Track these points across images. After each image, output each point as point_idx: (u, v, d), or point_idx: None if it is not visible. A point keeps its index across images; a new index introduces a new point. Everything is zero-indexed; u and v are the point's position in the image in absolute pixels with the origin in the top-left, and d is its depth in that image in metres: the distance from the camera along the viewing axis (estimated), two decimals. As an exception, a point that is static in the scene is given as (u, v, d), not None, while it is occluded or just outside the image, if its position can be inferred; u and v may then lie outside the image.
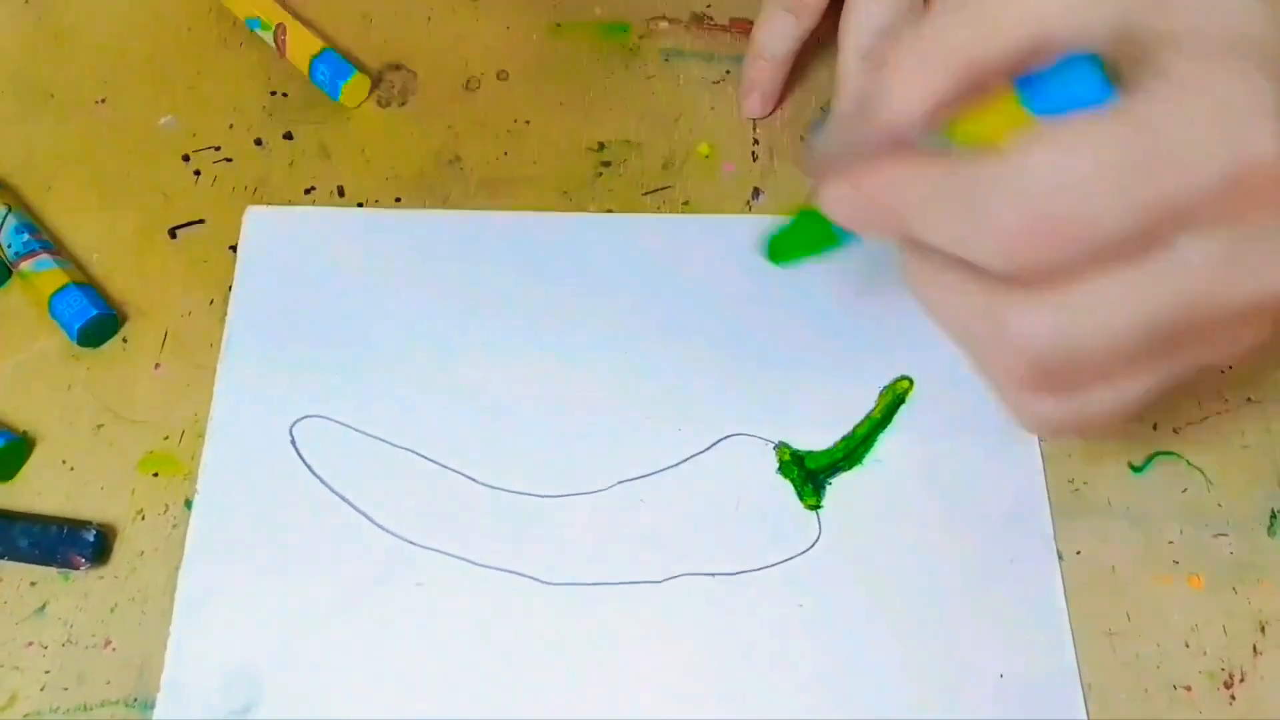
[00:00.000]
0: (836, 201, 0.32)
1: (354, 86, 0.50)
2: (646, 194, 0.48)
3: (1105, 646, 0.40)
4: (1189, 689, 0.39)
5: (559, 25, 0.52)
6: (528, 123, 0.50)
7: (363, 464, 0.42)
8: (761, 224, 0.47)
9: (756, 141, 0.50)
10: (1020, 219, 0.28)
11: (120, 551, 0.41)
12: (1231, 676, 0.40)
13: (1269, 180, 0.28)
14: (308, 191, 0.48)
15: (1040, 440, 0.43)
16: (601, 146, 0.49)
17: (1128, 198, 0.28)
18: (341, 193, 0.48)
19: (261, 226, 0.47)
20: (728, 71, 0.51)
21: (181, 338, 0.45)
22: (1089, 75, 0.28)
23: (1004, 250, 0.29)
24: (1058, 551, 0.41)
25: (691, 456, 0.43)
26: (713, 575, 0.41)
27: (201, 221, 0.47)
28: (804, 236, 0.36)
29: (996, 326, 0.30)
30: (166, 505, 0.42)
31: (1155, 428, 0.43)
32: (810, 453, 0.43)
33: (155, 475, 0.42)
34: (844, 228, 0.33)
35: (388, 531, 0.41)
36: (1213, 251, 0.28)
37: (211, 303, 0.45)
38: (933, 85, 0.30)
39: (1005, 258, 0.29)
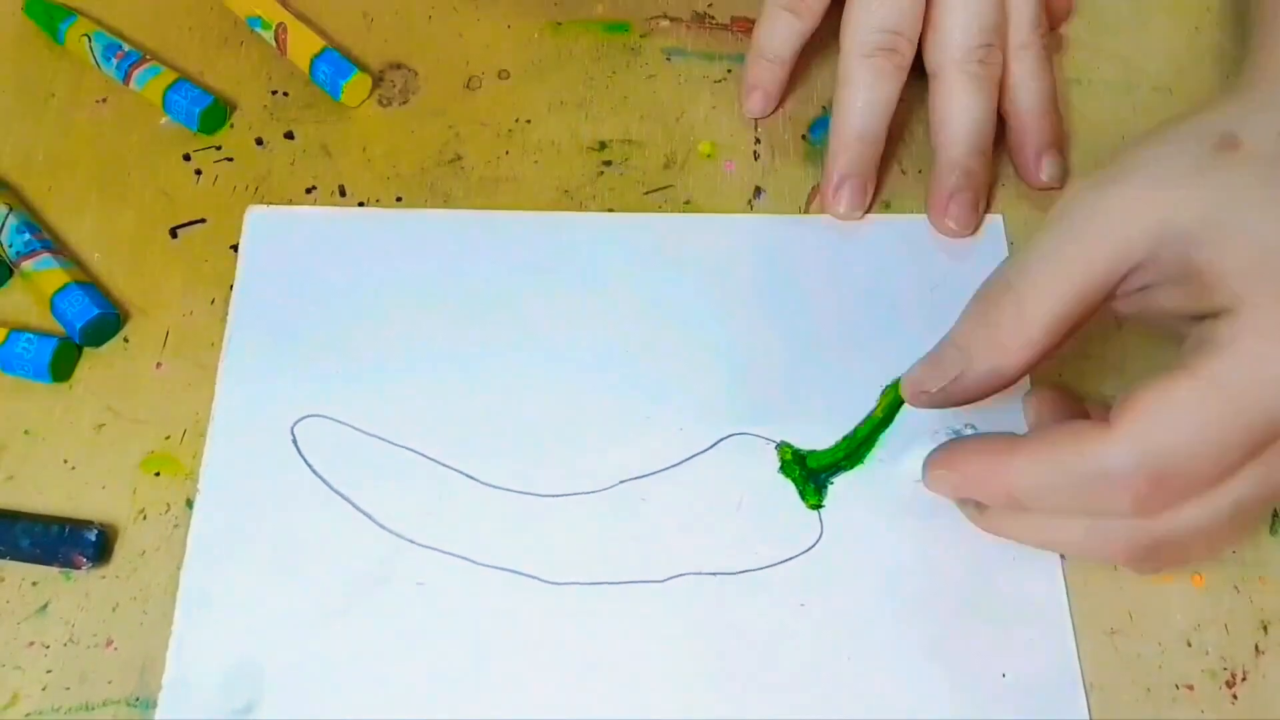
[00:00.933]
0: (938, 483, 0.39)
1: (355, 86, 0.50)
2: (648, 193, 0.48)
3: (1107, 645, 0.40)
4: (1191, 688, 0.39)
5: (560, 24, 0.52)
6: (529, 122, 0.50)
7: (364, 463, 0.42)
8: (763, 223, 0.47)
9: (758, 141, 0.50)
10: (1145, 483, 0.34)
11: (122, 551, 0.41)
12: (1234, 676, 0.39)
13: None
14: (309, 191, 0.48)
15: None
16: (603, 145, 0.49)
17: (1223, 447, 0.33)
18: (343, 192, 0.48)
19: (263, 226, 0.47)
20: (729, 70, 0.51)
21: (183, 337, 0.45)
22: None
23: (1134, 508, 0.35)
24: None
25: (693, 456, 0.43)
26: (715, 575, 0.41)
27: (203, 221, 0.47)
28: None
29: (1111, 543, 0.37)
30: (168, 505, 0.42)
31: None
32: (812, 452, 0.43)
33: (157, 475, 0.42)
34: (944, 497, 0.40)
35: (389, 531, 0.41)
36: None
37: (213, 302, 0.45)
38: (1033, 338, 0.36)
39: (1135, 509, 0.35)
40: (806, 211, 0.48)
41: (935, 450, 0.39)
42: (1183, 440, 0.33)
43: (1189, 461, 0.34)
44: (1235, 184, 0.35)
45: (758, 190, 0.48)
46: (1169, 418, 0.33)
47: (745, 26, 0.52)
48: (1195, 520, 0.35)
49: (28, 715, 0.38)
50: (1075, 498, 0.36)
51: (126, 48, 0.50)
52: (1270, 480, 0.34)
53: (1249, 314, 0.33)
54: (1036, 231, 0.37)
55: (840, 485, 0.42)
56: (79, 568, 0.40)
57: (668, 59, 0.52)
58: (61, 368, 0.44)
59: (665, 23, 0.53)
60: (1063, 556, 0.41)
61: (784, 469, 0.42)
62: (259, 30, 0.51)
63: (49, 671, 0.39)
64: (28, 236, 0.46)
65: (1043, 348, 0.36)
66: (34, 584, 0.40)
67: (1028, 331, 0.36)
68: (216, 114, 0.49)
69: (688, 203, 0.48)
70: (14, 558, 0.40)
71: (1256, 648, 0.40)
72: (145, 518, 0.42)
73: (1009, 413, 0.42)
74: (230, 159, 0.49)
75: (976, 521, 0.40)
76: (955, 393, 0.38)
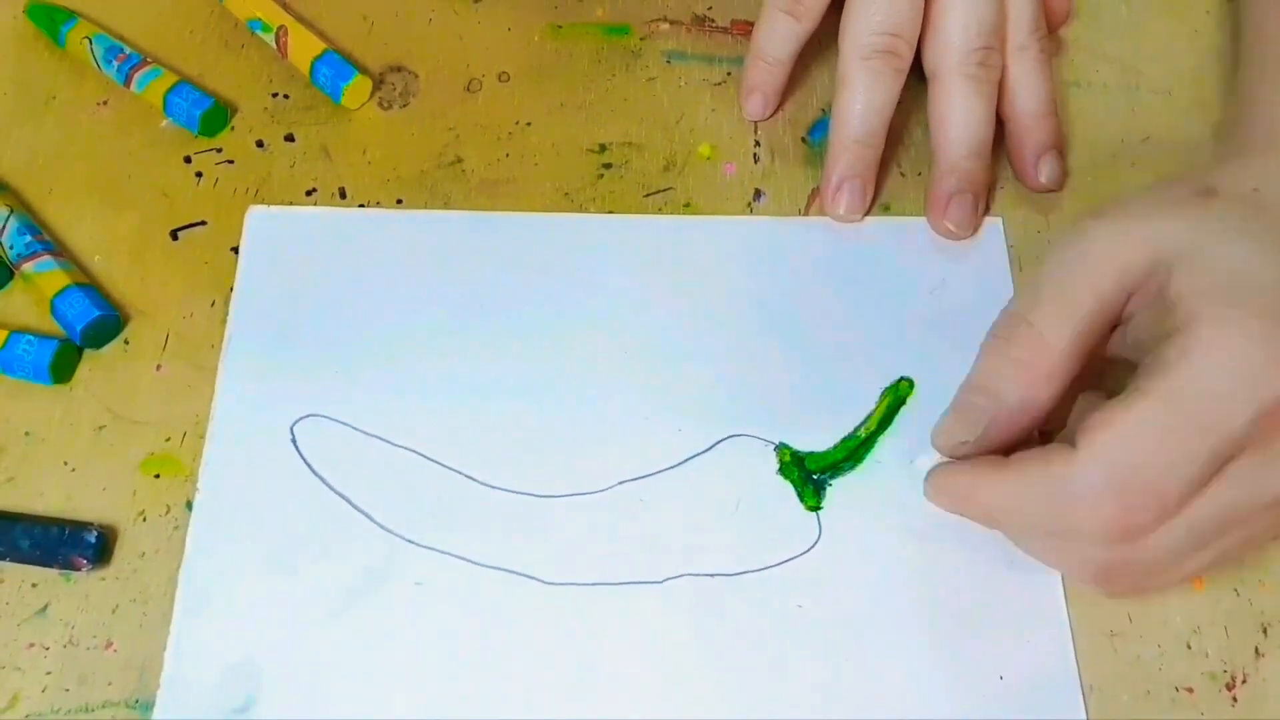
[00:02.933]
0: (933, 497, 0.40)
1: (355, 88, 0.50)
2: (648, 195, 0.48)
3: (1106, 647, 0.40)
4: (1190, 690, 0.39)
5: (560, 27, 0.52)
6: (529, 124, 0.50)
7: (363, 463, 0.42)
8: (762, 226, 0.47)
9: (758, 143, 0.50)
10: (1112, 504, 0.35)
11: (121, 553, 0.41)
12: (1233, 678, 0.39)
13: None
14: (309, 193, 0.48)
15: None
16: (602, 148, 0.49)
17: (1184, 462, 0.34)
18: (343, 194, 0.48)
19: (263, 227, 0.47)
20: (729, 73, 0.51)
21: (183, 339, 0.45)
22: None
23: (1100, 531, 0.35)
24: (1059, 552, 0.41)
25: (692, 457, 0.43)
26: (713, 576, 0.41)
27: (203, 223, 0.47)
28: None
29: (1082, 564, 0.38)
30: (168, 506, 0.42)
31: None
32: (811, 454, 0.43)
33: (157, 476, 0.42)
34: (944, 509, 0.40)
35: (388, 531, 0.41)
36: (1250, 468, 0.34)
37: (213, 304, 0.46)
38: (1053, 372, 0.37)
39: (1102, 535, 0.36)
40: (806, 214, 0.48)
41: (935, 467, 0.40)
42: (1144, 458, 0.34)
43: (1153, 480, 0.34)
44: (1210, 220, 0.37)
45: (757, 192, 0.48)
46: (1129, 437, 0.34)
47: (745, 29, 0.52)
48: (1162, 542, 0.35)
49: (27, 716, 0.38)
50: (1046, 519, 0.37)
51: (128, 50, 0.50)
52: (1235, 501, 0.35)
53: (1198, 330, 0.34)
54: (1040, 267, 0.38)
55: (839, 487, 0.42)
56: (79, 569, 0.40)
57: (668, 62, 0.52)
58: (62, 369, 0.44)
59: (665, 25, 0.53)
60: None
61: (783, 470, 0.42)
62: (260, 33, 0.51)
63: (49, 673, 0.39)
64: (28, 238, 0.46)
65: (1068, 374, 0.37)
66: (34, 585, 0.40)
67: (1052, 360, 0.37)
68: (217, 116, 0.49)
69: (687, 205, 0.48)
70: (14, 559, 0.40)
71: (1256, 650, 0.40)
72: (145, 519, 0.42)
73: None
74: (231, 161, 0.49)
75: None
76: (992, 437, 0.38)
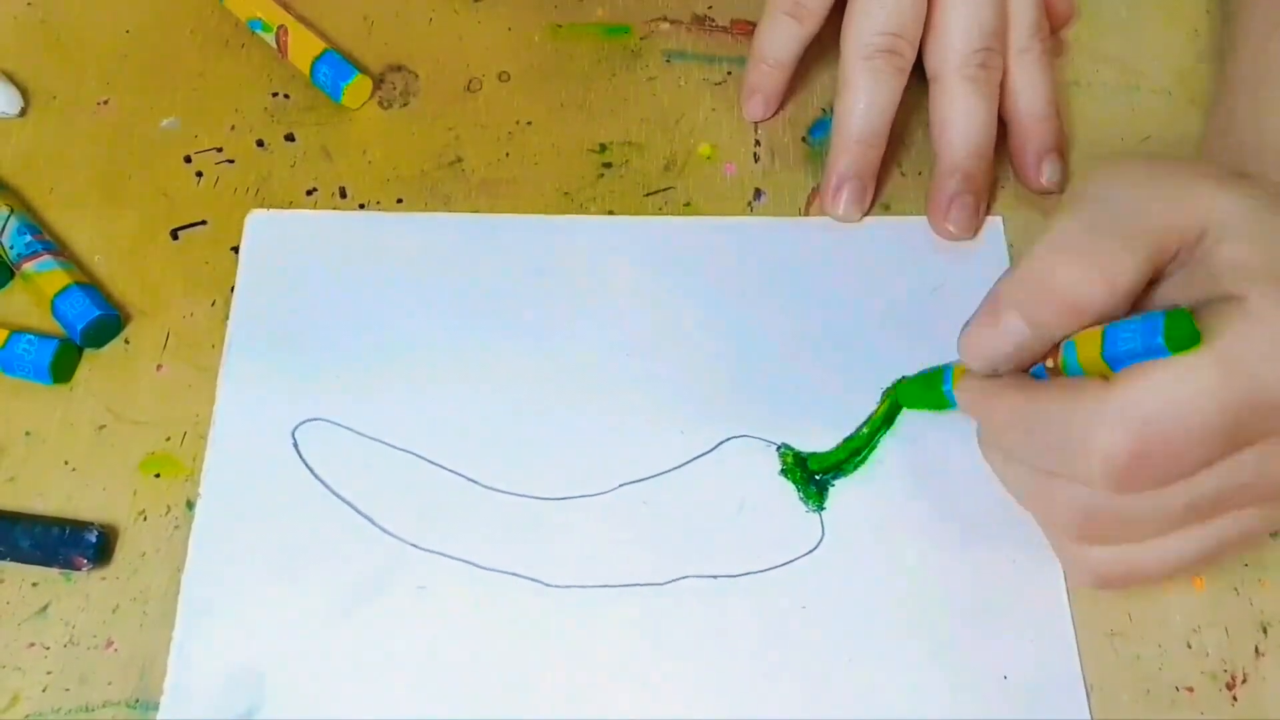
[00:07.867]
0: (962, 390, 0.40)
1: (355, 88, 0.50)
2: (648, 195, 0.48)
3: (1107, 647, 0.40)
4: (1191, 690, 0.39)
5: (560, 26, 0.52)
6: (529, 124, 0.50)
7: (365, 467, 0.42)
8: (762, 226, 0.47)
9: (758, 143, 0.50)
10: (1125, 444, 0.33)
11: (122, 552, 0.41)
12: (1233, 678, 0.40)
13: None
14: (309, 193, 0.48)
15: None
16: (603, 148, 0.49)
17: (1210, 421, 0.33)
18: (343, 194, 0.48)
19: (263, 230, 0.47)
20: (729, 73, 0.51)
21: (183, 339, 0.45)
22: (1182, 322, 0.33)
23: (1106, 473, 0.34)
24: (1060, 553, 0.41)
25: (694, 459, 0.43)
26: (716, 577, 0.41)
27: (203, 223, 0.47)
28: (926, 393, 0.42)
29: (1068, 506, 0.36)
30: (168, 506, 0.42)
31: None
32: (813, 454, 0.43)
33: (157, 476, 0.42)
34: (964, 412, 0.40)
35: (390, 534, 0.41)
36: (1262, 456, 0.34)
37: (213, 304, 0.45)
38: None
39: (1106, 478, 0.34)
40: (806, 213, 0.48)
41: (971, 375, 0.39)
42: (1176, 410, 0.33)
43: (1179, 433, 0.33)
44: (1258, 198, 0.36)
45: (758, 192, 0.48)
46: (1170, 385, 0.33)
47: (745, 29, 0.52)
48: (1156, 503, 0.35)
49: (27, 716, 0.38)
50: (1054, 446, 0.36)
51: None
52: (1239, 483, 0.34)
53: (1253, 303, 0.34)
54: (1098, 181, 0.37)
55: (841, 487, 0.42)
56: (79, 569, 0.40)
57: (668, 61, 0.52)
58: (62, 369, 0.44)
59: (665, 25, 0.53)
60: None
61: (785, 471, 0.42)
62: (260, 32, 0.51)
63: (49, 673, 0.39)
64: (29, 238, 0.46)
65: (1120, 310, 0.36)
66: (34, 585, 0.40)
67: (1126, 283, 0.35)
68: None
69: (688, 205, 0.48)
70: (14, 559, 0.40)
71: (1256, 650, 0.40)
72: (145, 519, 0.42)
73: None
74: (231, 161, 0.49)
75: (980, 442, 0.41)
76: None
